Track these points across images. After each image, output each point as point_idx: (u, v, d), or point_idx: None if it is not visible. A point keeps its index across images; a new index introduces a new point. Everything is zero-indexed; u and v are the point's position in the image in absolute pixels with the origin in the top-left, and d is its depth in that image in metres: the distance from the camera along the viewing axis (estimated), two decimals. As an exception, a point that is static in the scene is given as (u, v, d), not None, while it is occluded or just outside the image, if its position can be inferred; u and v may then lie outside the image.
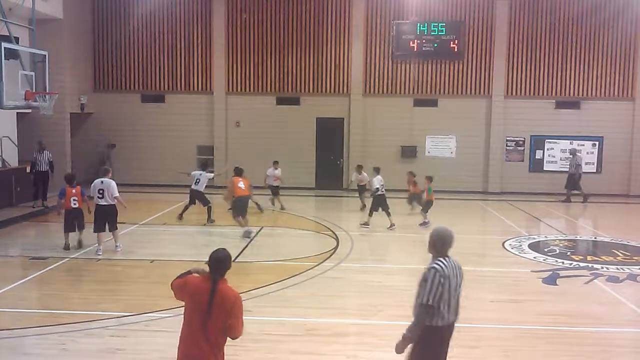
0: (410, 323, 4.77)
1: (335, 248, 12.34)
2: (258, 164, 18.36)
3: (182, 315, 4.41)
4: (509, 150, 21.72)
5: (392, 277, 10.18)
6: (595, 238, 14.45)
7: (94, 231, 11.36)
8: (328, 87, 21.68)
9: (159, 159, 21.72)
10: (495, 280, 10.21)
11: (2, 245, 12.41)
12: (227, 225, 14.14)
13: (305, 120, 21.68)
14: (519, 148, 21.71)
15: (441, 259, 4.75)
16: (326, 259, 11.31)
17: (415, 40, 21.00)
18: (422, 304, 4.65)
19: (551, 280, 10.21)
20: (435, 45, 21.00)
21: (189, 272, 4.49)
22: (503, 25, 21.13)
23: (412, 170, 16.81)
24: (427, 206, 14.98)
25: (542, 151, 21.63)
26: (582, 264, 11.25)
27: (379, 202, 14.42)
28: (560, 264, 11.30)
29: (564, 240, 13.76)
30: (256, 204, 16.13)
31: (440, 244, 4.78)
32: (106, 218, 11.35)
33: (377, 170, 14.85)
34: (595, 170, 21.47)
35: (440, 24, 20.96)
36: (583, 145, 21.42)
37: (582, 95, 21.34)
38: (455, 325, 5.00)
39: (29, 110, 16.54)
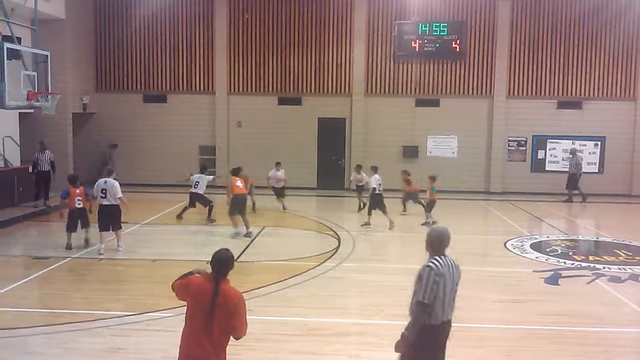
0: (407, 322, 4.78)
1: (337, 248, 12.34)
2: (260, 164, 18.36)
3: (184, 315, 4.41)
4: (510, 150, 21.70)
5: (394, 277, 10.17)
6: (597, 238, 14.43)
7: (99, 230, 11.45)
8: (330, 87, 21.68)
9: (160, 159, 21.74)
10: (497, 280, 10.20)
11: (4, 245, 12.44)
12: (228, 224, 14.13)
13: (307, 120, 21.68)
14: (521, 148, 21.69)
15: (437, 257, 4.79)
16: (328, 259, 11.32)
17: (417, 41, 20.99)
18: (419, 302, 4.68)
19: (553, 280, 10.20)
20: (437, 45, 21.00)
21: (191, 273, 4.48)
22: (505, 25, 21.11)
23: (412, 170, 16.76)
24: (430, 206, 14.93)
25: (544, 151, 21.61)
26: (584, 264, 11.23)
27: (377, 201, 14.43)
28: (562, 264, 11.29)
29: (566, 240, 13.74)
30: (253, 203, 16.15)
31: (437, 243, 4.82)
32: (110, 217, 11.42)
33: (374, 170, 14.84)
34: (597, 170, 21.45)
35: (442, 24, 20.95)
36: (585, 145, 21.40)
37: (584, 95, 21.31)
38: (455, 324, 4.99)
39: (31, 110, 16.55)
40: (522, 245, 12.90)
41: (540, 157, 21.65)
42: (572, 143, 21.20)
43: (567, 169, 20.50)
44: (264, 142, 21.33)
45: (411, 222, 15.25)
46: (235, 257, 4.67)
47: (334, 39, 21.49)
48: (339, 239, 13.16)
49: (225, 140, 21.91)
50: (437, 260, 4.75)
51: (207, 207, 14.77)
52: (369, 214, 14.56)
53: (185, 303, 4.44)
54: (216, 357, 4.27)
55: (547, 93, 21.37)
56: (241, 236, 13.08)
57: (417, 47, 21.00)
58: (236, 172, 13.74)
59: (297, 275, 10.08)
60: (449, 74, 21.42)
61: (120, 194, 11.42)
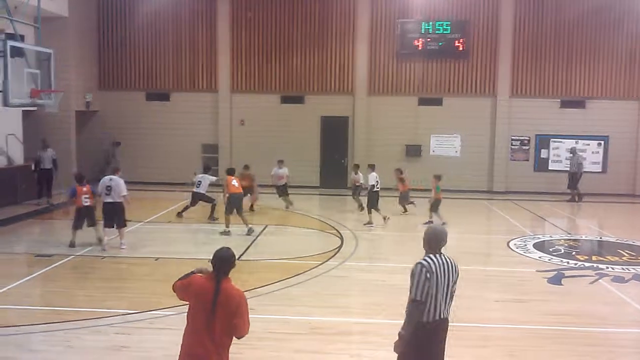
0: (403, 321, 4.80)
1: (340, 247, 12.34)
2: (262, 163, 18.39)
3: (186, 314, 4.40)
4: (514, 149, 21.66)
5: (396, 276, 10.12)
6: (600, 238, 14.40)
7: (104, 227, 11.51)
8: (332, 85, 21.66)
9: (163, 157, 21.76)
10: (500, 280, 10.18)
11: (7, 243, 12.46)
12: (232, 223, 14.13)
13: (310, 119, 21.67)
14: (524, 147, 21.64)
15: (431, 255, 4.83)
16: (330, 258, 11.32)
17: (420, 39, 20.95)
18: (411, 299, 4.70)
19: (556, 280, 10.19)
20: (440, 44, 20.96)
21: (192, 273, 4.47)
22: (508, 24, 21.05)
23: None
24: (435, 205, 14.83)
25: (547, 150, 21.57)
26: (587, 264, 11.21)
27: (374, 199, 14.43)
28: (566, 263, 11.26)
29: (569, 240, 13.72)
30: (251, 204, 16.18)
31: (434, 242, 4.87)
32: (114, 215, 11.48)
33: (372, 168, 14.90)
34: (600, 170, 21.39)
35: (445, 23, 20.91)
36: (588, 144, 21.35)
37: (588, 94, 21.25)
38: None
39: (35, 108, 16.53)
40: (525, 245, 12.87)
41: (544, 157, 21.60)
42: (576, 142, 21.14)
43: (569, 169, 20.47)
44: (266, 141, 21.33)
45: (414, 222, 15.23)
46: (238, 256, 4.67)
47: (336, 37, 21.46)
48: (341, 238, 13.16)
49: (228, 138, 21.91)
50: (429, 258, 4.79)
51: (211, 205, 14.86)
52: (369, 212, 14.56)
53: (187, 302, 4.44)
54: (217, 356, 4.26)
55: (550, 92, 21.32)
56: (233, 235, 13.05)
57: (420, 45, 20.97)
58: (231, 172, 13.88)
59: (299, 274, 10.08)
60: (452, 73, 21.38)
61: (125, 192, 11.53)
